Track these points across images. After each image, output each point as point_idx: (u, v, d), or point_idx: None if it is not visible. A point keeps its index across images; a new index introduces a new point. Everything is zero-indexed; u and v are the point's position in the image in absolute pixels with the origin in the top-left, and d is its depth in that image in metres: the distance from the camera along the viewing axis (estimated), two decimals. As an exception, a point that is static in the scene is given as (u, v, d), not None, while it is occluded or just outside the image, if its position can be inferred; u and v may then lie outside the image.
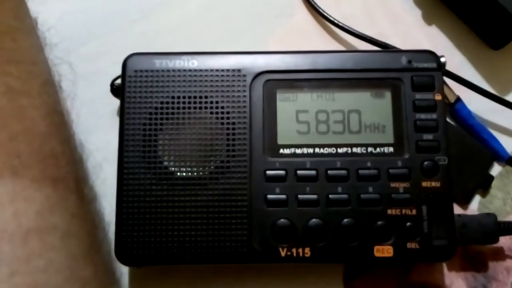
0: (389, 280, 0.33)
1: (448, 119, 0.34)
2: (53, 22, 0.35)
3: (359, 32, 0.37)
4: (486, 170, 0.35)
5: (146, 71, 0.32)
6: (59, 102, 0.32)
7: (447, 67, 0.34)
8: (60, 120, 0.31)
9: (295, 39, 0.39)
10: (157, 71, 0.32)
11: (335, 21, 0.38)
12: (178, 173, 0.31)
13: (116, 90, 0.34)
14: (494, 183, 0.35)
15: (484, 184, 0.35)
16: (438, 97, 0.32)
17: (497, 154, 0.36)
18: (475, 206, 0.35)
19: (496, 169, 0.36)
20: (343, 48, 0.38)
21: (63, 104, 0.33)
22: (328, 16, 0.38)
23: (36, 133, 0.28)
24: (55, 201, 0.27)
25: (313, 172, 0.31)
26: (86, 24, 0.38)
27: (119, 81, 0.32)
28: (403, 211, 0.30)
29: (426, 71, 0.32)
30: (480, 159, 0.35)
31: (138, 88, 0.31)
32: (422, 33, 0.39)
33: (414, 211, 0.30)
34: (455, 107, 0.36)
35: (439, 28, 0.39)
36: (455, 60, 0.38)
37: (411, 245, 0.30)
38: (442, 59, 0.33)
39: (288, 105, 0.32)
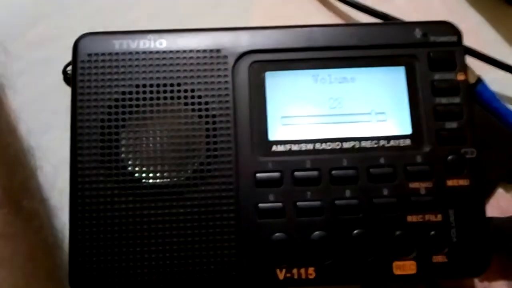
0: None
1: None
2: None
3: (355, 1, 0.34)
4: (513, 160, 0.33)
5: (103, 54, 0.28)
6: None
7: (464, 30, 0.30)
8: None
9: (283, 7, 0.35)
10: (117, 54, 0.28)
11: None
12: (146, 180, 0.27)
13: (70, 78, 0.30)
14: None
15: (509, 176, 0.32)
16: (461, 76, 0.29)
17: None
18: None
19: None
20: (339, 18, 0.35)
21: None
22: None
23: None
24: None
25: (315, 172, 0.28)
26: (32, 3, 0.35)
27: (73, 67, 0.30)
28: (426, 217, 0.28)
29: (445, 45, 0.29)
30: (508, 148, 0.32)
31: (93, 76, 0.28)
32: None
33: (439, 217, 0.28)
34: (476, 89, 0.33)
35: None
36: (472, 21, 0.36)
37: (438, 258, 0.27)
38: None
39: (280, 92, 0.29)
